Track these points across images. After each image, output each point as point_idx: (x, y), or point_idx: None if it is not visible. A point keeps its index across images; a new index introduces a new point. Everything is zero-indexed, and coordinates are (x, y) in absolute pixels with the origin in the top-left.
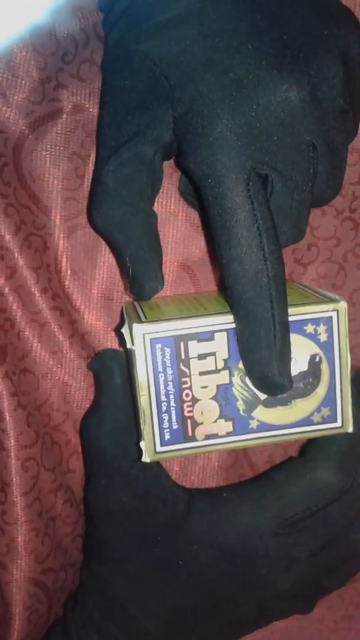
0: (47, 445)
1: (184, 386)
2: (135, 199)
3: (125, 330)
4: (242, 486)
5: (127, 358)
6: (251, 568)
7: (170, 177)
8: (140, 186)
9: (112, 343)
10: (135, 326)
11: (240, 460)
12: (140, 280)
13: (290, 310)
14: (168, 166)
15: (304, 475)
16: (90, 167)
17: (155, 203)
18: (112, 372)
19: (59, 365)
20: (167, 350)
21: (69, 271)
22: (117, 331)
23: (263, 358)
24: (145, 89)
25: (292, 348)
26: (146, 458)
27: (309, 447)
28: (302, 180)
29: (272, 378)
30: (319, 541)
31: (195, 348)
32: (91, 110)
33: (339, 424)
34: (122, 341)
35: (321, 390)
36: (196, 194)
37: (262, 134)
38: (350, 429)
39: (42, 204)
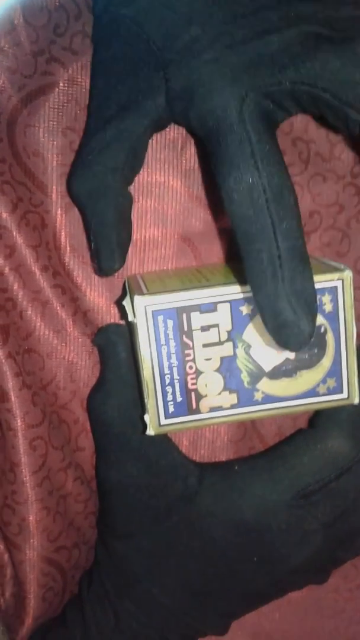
0: (54, 424)
1: (187, 358)
2: (107, 176)
3: (126, 303)
4: (253, 459)
5: (129, 331)
6: (265, 541)
7: (171, 149)
8: (114, 164)
9: (116, 319)
10: (137, 298)
11: (249, 432)
12: (99, 257)
13: None
14: (171, 140)
15: (314, 446)
16: None
17: (156, 175)
18: (116, 346)
19: (63, 344)
20: (170, 322)
21: (68, 248)
22: (119, 304)
23: (269, 291)
24: (135, 56)
25: None
26: (150, 431)
27: (319, 417)
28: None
29: (284, 317)
30: (332, 513)
31: (197, 320)
32: (84, 83)
33: (344, 395)
34: (123, 314)
35: (326, 362)
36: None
37: (253, 64)
38: (356, 400)
39: (38, 181)
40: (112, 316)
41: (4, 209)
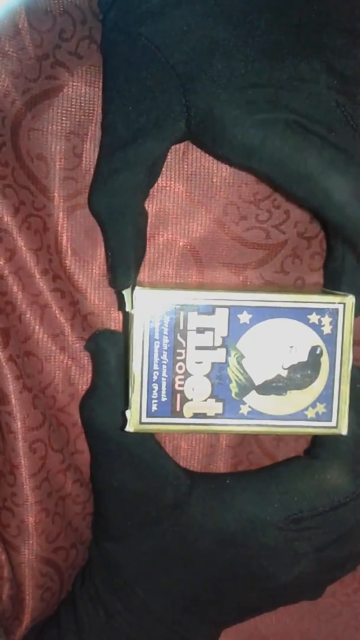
0: (54, 427)
1: (178, 358)
2: (128, 195)
3: (126, 293)
4: (246, 475)
5: (124, 322)
6: (252, 558)
7: (173, 154)
8: (135, 183)
9: (116, 323)
10: (138, 289)
11: (247, 438)
12: (115, 272)
13: (295, 297)
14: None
15: (312, 475)
16: (88, 145)
17: (158, 180)
18: (106, 353)
19: (61, 348)
20: (166, 318)
21: (69, 251)
22: (119, 293)
23: None
24: (153, 78)
25: (293, 336)
26: (130, 428)
27: (319, 447)
28: (345, 135)
29: None
30: (325, 539)
31: (194, 320)
32: (89, 88)
33: (333, 423)
34: (122, 304)
35: (318, 385)
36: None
37: (283, 99)
38: (344, 431)
39: (41, 184)
40: (112, 319)
41: (5, 212)
